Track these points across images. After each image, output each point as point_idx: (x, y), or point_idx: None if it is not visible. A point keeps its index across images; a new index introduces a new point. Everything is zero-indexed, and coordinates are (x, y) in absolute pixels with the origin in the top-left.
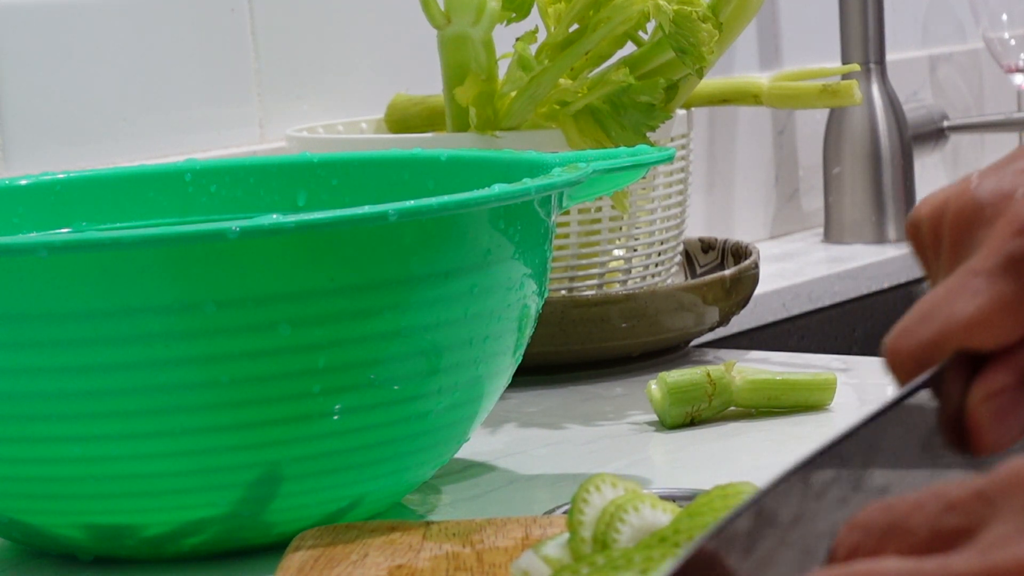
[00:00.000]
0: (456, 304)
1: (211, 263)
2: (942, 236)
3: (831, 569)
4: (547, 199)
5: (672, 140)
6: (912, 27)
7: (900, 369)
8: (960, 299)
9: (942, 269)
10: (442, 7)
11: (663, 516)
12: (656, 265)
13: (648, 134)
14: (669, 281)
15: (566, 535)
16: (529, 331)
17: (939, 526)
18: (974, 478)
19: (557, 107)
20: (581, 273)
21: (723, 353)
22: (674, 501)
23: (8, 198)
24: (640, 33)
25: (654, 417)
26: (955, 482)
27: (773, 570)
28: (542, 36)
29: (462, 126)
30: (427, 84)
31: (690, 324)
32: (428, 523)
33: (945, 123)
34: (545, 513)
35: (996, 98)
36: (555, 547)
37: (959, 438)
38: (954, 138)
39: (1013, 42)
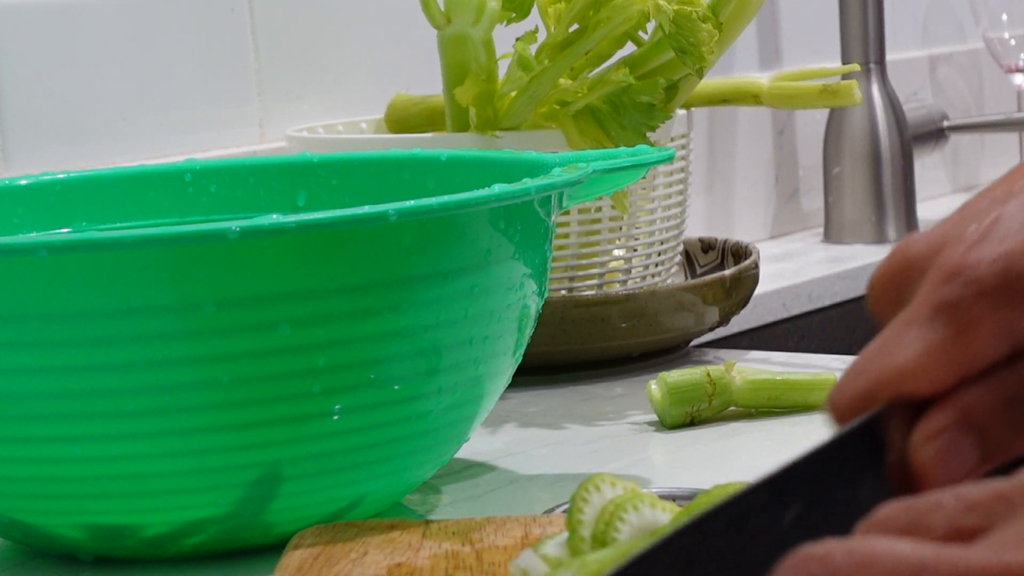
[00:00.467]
0: (456, 304)
1: (211, 263)
2: (888, 299)
3: (854, 541)
4: (547, 199)
5: (672, 140)
6: (912, 27)
7: (838, 419)
8: (893, 349)
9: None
10: (442, 7)
11: (662, 515)
12: (656, 265)
13: (648, 134)
14: (669, 281)
15: (565, 534)
16: (529, 331)
17: (958, 525)
18: (994, 480)
19: (557, 107)
20: (581, 273)
21: (723, 353)
22: (674, 501)
23: (8, 198)
24: (640, 33)
25: (654, 417)
26: (975, 484)
27: None
28: (542, 36)
29: (462, 126)
30: (427, 84)
31: (690, 324)
32: (428, 522)
33: (945, 123)
34: (545, 512)
35: (996, 98)
36: (554, 546)
37: (905, 482)
38: (954, 138)
39: (1013, 42)
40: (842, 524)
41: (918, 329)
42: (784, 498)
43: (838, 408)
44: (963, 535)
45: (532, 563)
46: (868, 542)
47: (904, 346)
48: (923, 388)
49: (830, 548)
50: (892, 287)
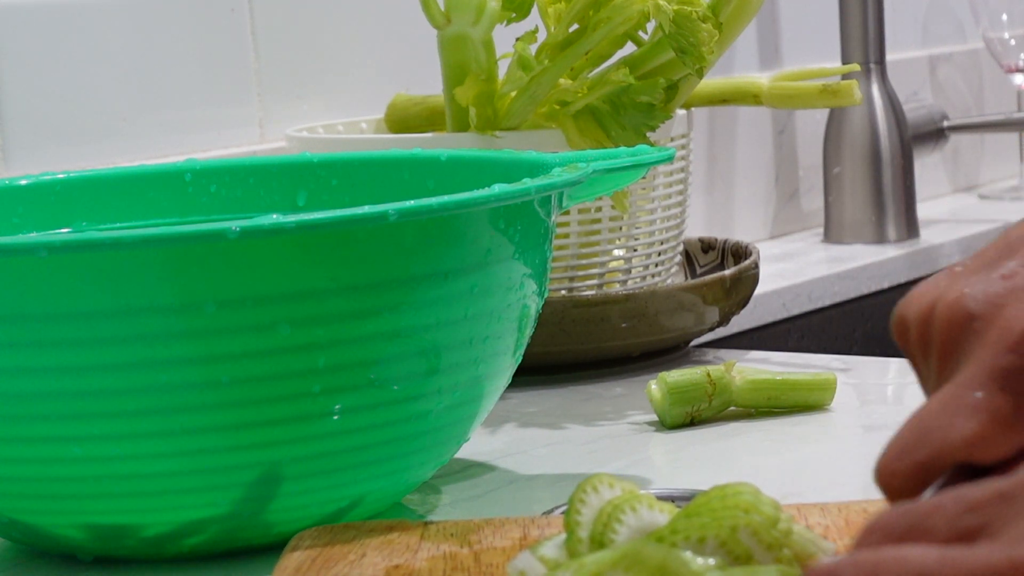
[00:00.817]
0: (456, 304)
1: (211, 263)
2: (931, 342)
3: (859, 554)
4: (547, 199)
5: (672, 140)
6: (912, 27)
7: (894, 490)
8: (956, 417)
9: (932, 376)
10: (442, 7)
11: (660, 516)
12: (656, 265)
13: (648, 134)
14: (669, 281)
15: (563, 535)
16: (529, 331)
17: (960, 526)
18: (994, 480)
19: (557, 107)
20: (581, 273)
21: (723, 353)
22: (673, 501)
23: (8, 198)
24: (640, 33)
25: (654, 417)
26: (974, 485)
27: None
28: (542, 36)
29: (462, 126)
30: (427, 84)
31: (690, 324)
32: (426, 523)
33: (945, 123)
34: (544, 513)
35: (996, 98)
36: (552, 547)
37: None
38: (954, 138)
39: (1013, 42)
40: None
41: (982, 397)
42: None
43: (895, 479)
44: (965, 536)
45: (530, 564)
46: (873, 552)
47: (968, 415)
48: (988, 458)
49: (837, 564)
50: (942, 333)
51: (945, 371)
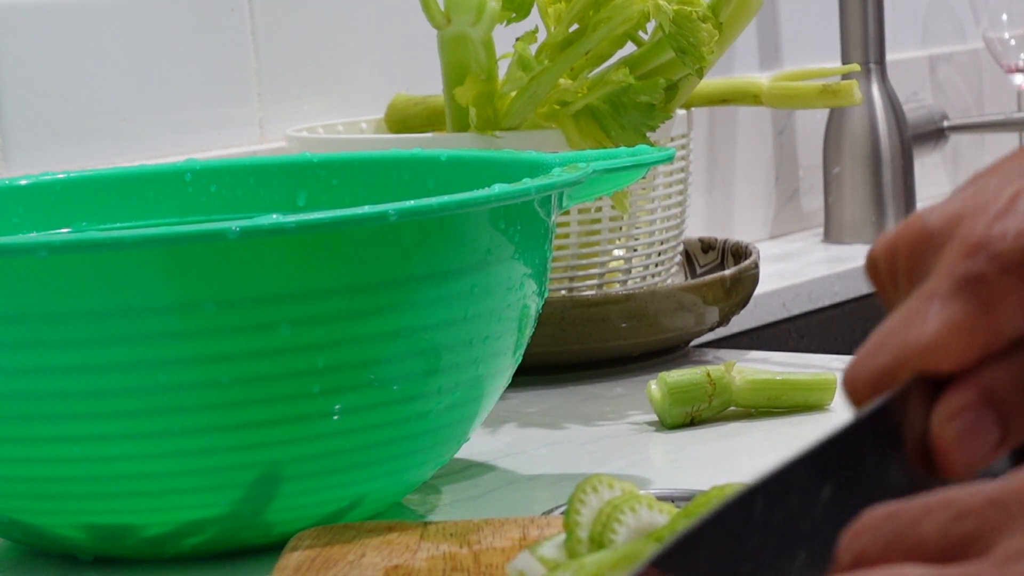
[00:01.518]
0: (456, 304)
1: (211, 263)
2: (898, 269)
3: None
4: (547, 199)
5: (672, 140)
6: (912, 27)
7: (857, 398)
8: (914, 324)
9: (900, 300)
10: (442, 7)
11: (660, 517)
12: (656, 265)
13: (648, 134)
14: (669, 281)
15: (563, 536)
16: (529, 331)
17: (950, 533)
18: (984, 485)
19: (557, 107)
20: (581, 273)
21: (723, 353)
22: (672, 502)
23: (8, 198)
24: (640, 33)
25: (654, 417)
26: (964, 489)
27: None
28: (542, 36)
29: (462, 126)
30: (427, 84)
31: (690, 324)
32: (426, 523)
33: (945, 123)
34: (543, 513)
35: (996, 98)
36: (551, 548)
37: (926, 462)
38: (954, 138)
39: (1013, 42)
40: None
41: (940, 304)
42: (819, 477)
43: (857, 387)
44: (956, 546)
45: (529, 565)
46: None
47: (927, 321)
48: (946, 364)
49: None
50: (905, 256)
51: (910, 291)
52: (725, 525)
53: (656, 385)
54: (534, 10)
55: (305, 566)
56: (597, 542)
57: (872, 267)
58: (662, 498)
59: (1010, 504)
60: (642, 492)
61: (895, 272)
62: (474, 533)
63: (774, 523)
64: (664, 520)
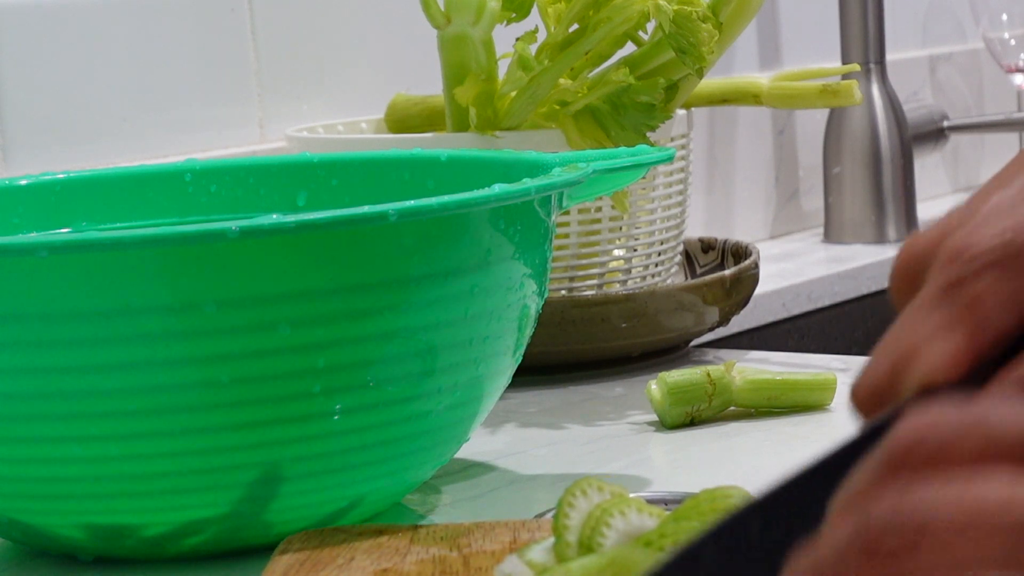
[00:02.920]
0: (456, 304)
1: (211, 263)
2: (906, 295)
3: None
4: (547, 199)
5: (672, 140)
6: (912, 27)
7: (863, 413)
8: (904, 334)
9: None
10: (442, 7)
11: (649, 520)
12: (656, 265)
13: (648, 134)
14: (669, 281)
15: (552, 540)
16: (529, 331)
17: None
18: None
19: (557, 107)
20: (581, 273)
21: (723, 353)
22: (665, 504)
23: (8, 198)
24: (640, 33)
25: (654, 417)
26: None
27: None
28: (542, 36)
29: (462, 126)
30: (427, 84)
31: (690, 324)
32: (416, 527)
33: (945, 123)
34: (536, 516)
35: (996, 98)
36: (540, 552)
37: None
38: (954, 138)
39: (1013, 42)
40: None
41: (926, 312)
42: (820, 492)
43: (860, 402)
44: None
45: (517, 569)
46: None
47: (915, 331)
48: (939, 368)
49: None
50: (905, 283)
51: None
52: (723, 541)
53: (656, 385)
54: (534, 10)
55: (294, 569)
56: (586, 546)
57: (893, 299)
58: (653, 501)
59: None
60: (632, 495)
61: (904, 297)
62: (464, 536)
63: (773, 540)
64: (653, 524)
